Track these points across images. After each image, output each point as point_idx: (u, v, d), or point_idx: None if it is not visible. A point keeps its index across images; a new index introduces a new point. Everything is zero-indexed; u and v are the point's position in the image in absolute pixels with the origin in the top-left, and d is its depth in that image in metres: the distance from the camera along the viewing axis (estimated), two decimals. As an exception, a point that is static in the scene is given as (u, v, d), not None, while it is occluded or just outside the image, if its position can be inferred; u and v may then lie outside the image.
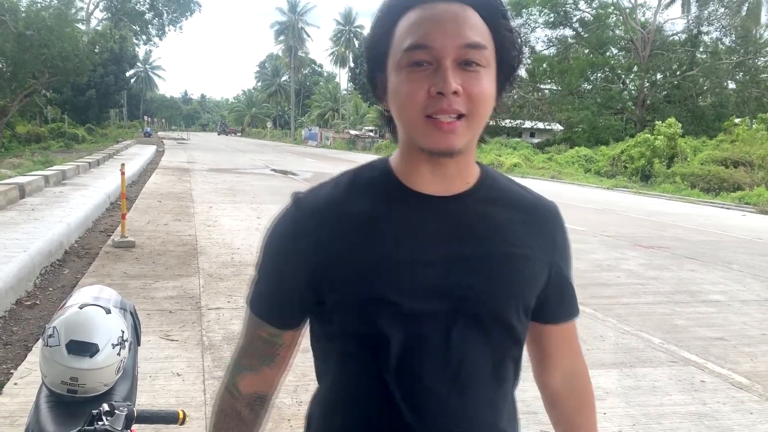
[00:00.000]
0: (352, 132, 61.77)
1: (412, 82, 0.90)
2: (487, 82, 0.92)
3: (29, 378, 3.94)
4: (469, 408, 0.97)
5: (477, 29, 0.91)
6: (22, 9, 24.71)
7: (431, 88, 0.89)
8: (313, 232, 0.97)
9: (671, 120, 25.38)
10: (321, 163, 29.96)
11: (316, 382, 1.09)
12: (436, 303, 0.95)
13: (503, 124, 45.42)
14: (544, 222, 1.06)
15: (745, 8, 35.17)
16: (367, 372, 0.97)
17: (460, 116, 0.90)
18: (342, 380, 1.01)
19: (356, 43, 74.44)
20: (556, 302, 1.09)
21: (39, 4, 25.44)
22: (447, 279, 0.95)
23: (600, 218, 13.69)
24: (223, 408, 1.10)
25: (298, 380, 4.04)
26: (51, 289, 6.23)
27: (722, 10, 35.63)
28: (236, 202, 13.53)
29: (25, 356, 4.38)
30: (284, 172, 23.16)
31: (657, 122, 26.01)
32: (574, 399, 1.18)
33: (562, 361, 1.15)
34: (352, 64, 61.71)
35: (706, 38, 37.20)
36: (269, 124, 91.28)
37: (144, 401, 3.48)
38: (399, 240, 0.95)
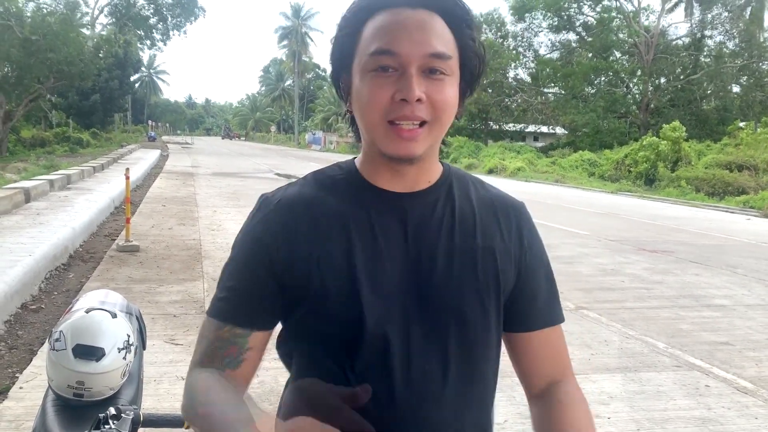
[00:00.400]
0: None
1: (376, 87, 0.90)
2: (450, 90, 0.92)
3: (34, 382, 3.96)
4: (424, 407, 0.95)
5: (443, 38, 0.91)
6: (28, 14, 24.86)
7: (396, 93, 0.89)
8: (280, 228, 0.97)
9: (676, 123, 25.36)
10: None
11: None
12: (396, 298, 0.95)
13: (507, 128, 45.49)
14: (509, 218, 1.04)
15: (748, 12, 35.15)
16: (332, 363, 0.96)
17: (422, 123, 0.90)
18: (308, 371, 0.99)
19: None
20: (529, 304, 1.04)
21: (45, 10, 25.58)
22: (408, 274, 0.96)
23: (604, 222, 13.67)
24: (195, 386, 0.97)
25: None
26: (56, 293, 6.25)
27: (725, 14, 35.62)
28: (240, 206, 13.56)
29: (31, 360, 4.39)
30: (288, 176, 23.19)
31: (664, 125, 25.96)
32: (558, 406, 1.02)
33: (544, 377, 1.07)
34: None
35: (709, 42, 37.20)
36: (273, 129, 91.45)
37: (149, 405, 3.48)
38: (362, 235, 0.96)
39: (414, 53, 0.89)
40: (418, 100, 0.89)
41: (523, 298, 1.03)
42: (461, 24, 0.94)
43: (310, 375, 0.97)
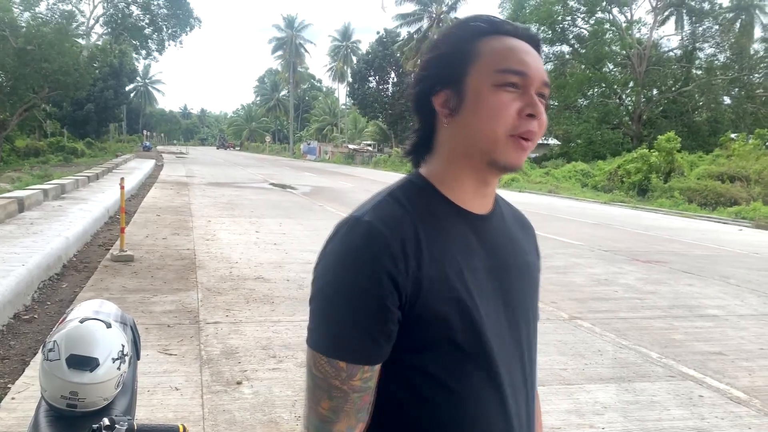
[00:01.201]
0: (351, 146, 61.95)
1: (504, 101, 0.97)
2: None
3: (26, 393, 3.94)
4: (532, 403, 1.09)
5: (545, 71, 1.03)
6: (23, 24, 24.86)
7: (524, 108, 0.97)
8: (397, 246, 0.93)
9: (671, 134, 25.51)
10: (320, 178, 30.02)
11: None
12: (494, 313, 1.01)
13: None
14: (531, 233, 1.21)
15: (738, 25, 35.48)
16: (476, 378, 0.98)
17: (530, 141, 1.00)
18: (438, 390, 0.97)
19: (354, 59, 74.78)
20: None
21: (40, 19, 25.58)
22: (495, 291, 1.03)
23: (597, 232, 13.72)
24: None
25: (296, 395, 4.04)
26: (49, 303, 6.22)
27: (716, 27, 35.95)
28: (235, 216, 13.55)
29: (23, 371, 4.37)
30: (283, 186, 23.20)
31: (659, 136, 26.11)
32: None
33: None
34: (350, 79, 62.07)
35: (701, 54, 37.49)
36: (268, 139, 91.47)
37: (142, 416, 3.47)
38: (464, 256, 1.00)
39: (537, 77, 0.99)
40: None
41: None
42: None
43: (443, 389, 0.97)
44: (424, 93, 1.03)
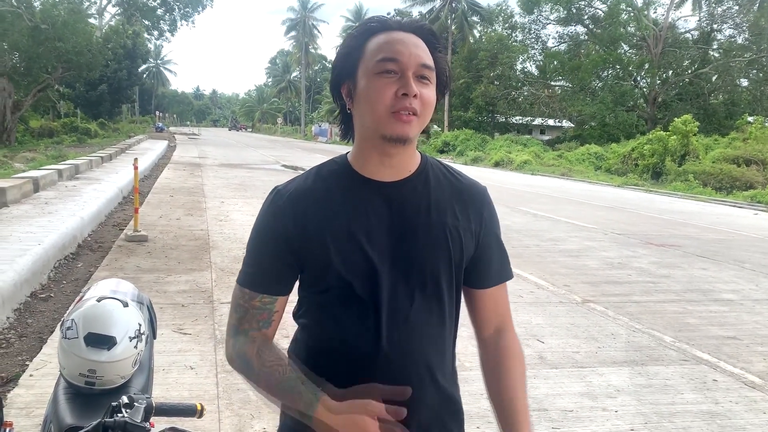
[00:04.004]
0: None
1: (382, 85, 1.17)
2: (432, 92, 1.22)
3: (44, 370, 3.99)
4: (414, 341, 1.25)
5: (427, 55, 1.21)
6: (38, 3, 24.84)
7: (398, 89, 1.16)
8: (290, 213, 1.24)
9: (687, 117, 25.19)
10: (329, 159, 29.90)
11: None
12: (387, 263, 1.22)
13: (513, 121, 45.34)
14: (473, 201, 1.32)
15: (757, 5, 34.79)
16: (345, 309, 1.24)
17: (413, 115, 1.18)
18: (324, 315, 1.28)
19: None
20: (485, 268, 1.34)
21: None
22: (396, 244, 1.23)
23: (610, 216, 13.63)
24: (246, 353, 1.26)
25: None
26: (65, 282, 6.28)
27: (736, 7, 35.30)
28: (247, 197, 13.58)
29: (41, 348, 4.43)
30: (294, 168, 23.19)
31: (675, 119, 25.82)
32: (501, 351, 1.36)
33: (494, 320, 1.38)
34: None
35: (719, 36, 36.89)
36: (280, 120, 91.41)
37: (158, 394, 3.50)
38: (359, 216, 1.23)
39: (411, 62, 1.18)
40: (415, 95, 1.16)
41: (481, 263, 1.34)
42: (435, 48, 1.24)
43: (325, 314, 1.27)
44: (334, 85, 1.26)
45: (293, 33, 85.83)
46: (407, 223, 1.24)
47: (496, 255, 1.36)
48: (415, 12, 53.41)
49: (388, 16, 1.29)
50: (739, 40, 35.86)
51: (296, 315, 1.35)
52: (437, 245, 1.25)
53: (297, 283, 1.30)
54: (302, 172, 1.34)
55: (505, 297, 1.40)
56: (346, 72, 1.24)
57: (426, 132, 1.30)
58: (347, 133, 1.30)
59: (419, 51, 1.19)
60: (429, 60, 1.20)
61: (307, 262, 1.24)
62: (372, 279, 1.22)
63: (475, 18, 49.19)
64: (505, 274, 1.38)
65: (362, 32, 1.24)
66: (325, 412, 1.13)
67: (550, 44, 41.84)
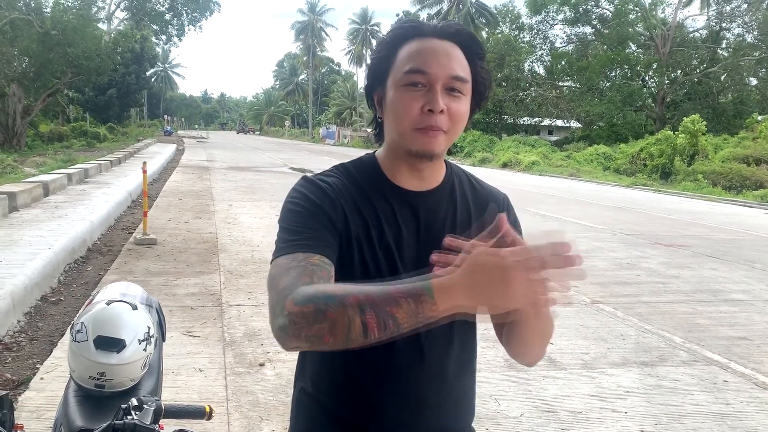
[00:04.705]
0: (370, 130, 61.67)
1: (408, 99, 1.12)
2: (464, 106, 1.15)
3: (55, 373, 4.01)
4: (438, 351, 1.20)
5: (462, 65, 1.14)
6: (47, 9, 25.03)
7: (424, 105, 1.10)
8: (332, 198, 1.16)
9: (695, 117, 25.06)
10: (338, 161, 29.85)
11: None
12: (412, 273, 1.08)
13: (521, 122, 45.24)
14: (490, 208, 1.27)
15: (766, 3, 34.57)
16: None
17: (440, 131, 1.12)
18: None
19: (373, 42, 74.38)
20: None
21: (63, 5, 25.74)
22: (419, 258, 1.17)
23: (619, 216, 13.57)
24: (320, 288, 1.00)
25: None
26: (75, 285, 6.32)
27: (744, 5, 35.10)
28: (256, 200, 13.62)
29: (51, 351, 4.45)
30: (302, 171, 23.25)
31: (684, 118, 25.69)
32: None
33: None
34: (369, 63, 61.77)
35: (728, 34, 36.69)
36: (287, 123, 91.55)
37: (167, 396, 3.52)
38: (389, 222, 1.19)
39: (440, 74, 1.11)
40: (441, 111, 1.10)
41: None
42: (475, 56, 1.17)
43: None
44: (368, 92, 1.23)
45: (303, 36, 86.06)
46: (433, 235, 1.19)
47: None
48: (424, 14, 53.54)
49: (424, 21, 1.21)
50: (749, 39, 35.68)
51: None
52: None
53: None
54: (325, 170, 1.28)
55: None
56: (377, 80, 1.19)
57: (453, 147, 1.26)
58: (379, 137, 1.27)
59: (451, 61, 1.13)
60: (462, 71, 1.14)
61: (340, 253, 1.16)
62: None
63: (482, 19, 49.19)
64: None
65: (394, 38, 1.18)
66: (448, 280, 0.89)
67: (557, 45, 41.77)
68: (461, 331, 1.24)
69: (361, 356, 1.06)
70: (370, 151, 1.30)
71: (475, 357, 1.31)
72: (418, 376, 1.19)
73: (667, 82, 36.66)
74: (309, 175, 1.23)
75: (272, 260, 1.11)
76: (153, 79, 78.22)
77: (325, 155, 36.13)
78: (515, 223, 1.27)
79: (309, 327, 0.92)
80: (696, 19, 55.73)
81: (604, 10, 38.59)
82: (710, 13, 37.04)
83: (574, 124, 43.82)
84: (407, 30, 1.16)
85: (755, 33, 34.93)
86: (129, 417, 1.51)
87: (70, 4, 26.17)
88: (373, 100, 1.21)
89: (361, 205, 1.19)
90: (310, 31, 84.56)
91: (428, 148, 1.13)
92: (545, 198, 16.84)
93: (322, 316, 0.90)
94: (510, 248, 0.88)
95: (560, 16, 39.78)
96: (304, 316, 0.92)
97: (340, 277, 1.15)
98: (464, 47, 1.15)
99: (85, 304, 2.03)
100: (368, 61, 1.26)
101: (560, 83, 41.23)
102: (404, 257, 1.18)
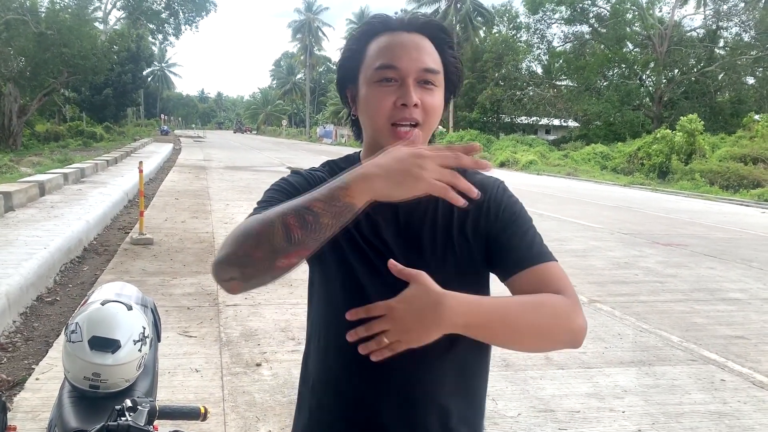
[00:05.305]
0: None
1: (381, 95, 1.11)
2: (438, 97, 1.14)
3: (50, 373, 3.99)
4: (435, 357, 1.14)
5: (432, 57, 1.13)
6: (42, 9, 24.97)
7: (397, 100, 1.10)
8: (307, 187, 1.11)
9: (693, 116, 25.09)
10: (336, 161, 29.92)
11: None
12: (391, 276, 1.05)
13: (519, 121, 45.27)
14: (483, 195, 1.19)
15: (762, 2, 34.61)
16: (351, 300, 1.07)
17: (415, 125, 1.11)
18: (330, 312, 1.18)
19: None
20: (505, 255, 1.19)
21: (58, 5, 25.68)
22: (399, 249, 1.15)
23: (617, 215, 13.58)
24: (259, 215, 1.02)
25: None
26: (71, 285, 6.30)
27: (742, 4, 35.15)
28: (253, 199, 13.47)
29: (47, 352, 4.43)
30: (299, 170, 23.21)
31: (681, 117, 25.72)
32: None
33: None
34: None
35: (725, 33, 36.76)
36: (284, 122, 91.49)
37: (163, 397, 3.50)
38: (366, 216, 1.11)
39: (411, 68, 1.11)
40: (415, 105, 1.10)
41: (500, 251, 1.19)
42: (444, 46, 1.16)
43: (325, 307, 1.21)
44: (340, 89, 1.22)
45: (299, 35, 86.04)
46: (413, 233, 1.18)
47: (516, 240, 1.19)
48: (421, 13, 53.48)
49: (392, 15, 1.21)
50: (746, 38, 35.72)
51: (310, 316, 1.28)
52: (443, 256, 1.18)
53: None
54: (313, 166, 1.29)
55: (549, 278, 1.17)
56: (348, 77, 1.18)
57: (431, 140, 1.23)
58: (359, 135, 1.25)
59: (421, 54, 1.12)
60: (433, 63, 1.13)
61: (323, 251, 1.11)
62: (384, 286, 1.08)
63: (479, 18, 49.21)
64: (536, 257, 1.17)
65: (363, 33, 1.17)
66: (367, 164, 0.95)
67: (555, 44, 41.80)
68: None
69: (360, 355, 1.05)
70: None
71: (487, 355, 1.25)
72: (417, 375, 1.16)
73: (664, 81, 36.71)
74: (294, 169, 1.26)
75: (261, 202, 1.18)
76: (150, 79, 78.08)
77: (322, 155, 36.07)
78: (506, 208, 1.22)
79: (239, 248, 0.96)
80: (693, 18, 55.83)
81: (602, 9, 38.62)
82: (707, 12, 37.10)
83: (572, 123, 43.83)
84: (375, 25, 1.16)
85: (752, 32, 34.98)
86: (123, 418, 1.50)
87: (65, 3, 26.11)
88: (347, 97, 1.21)
89: None
90: (307, 30, 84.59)
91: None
92: (543, 197, 16.84)
93: (248, 234, 0.96)
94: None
95: (557, 15, 39.81)
96: (235, 240, 0.97)
97: (318, 274, 1.20)
98: (433, 38, 1.15)
99: (80, 304, 2.01)
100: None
101: (558, 82, 41.26)
102: (387, 255, 1.13)
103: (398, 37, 1.13)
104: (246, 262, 0.95)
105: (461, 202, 0.95)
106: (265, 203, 1.15)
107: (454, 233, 1.19)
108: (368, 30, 1.16)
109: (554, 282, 1.17)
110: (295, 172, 1.23)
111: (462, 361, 1.20)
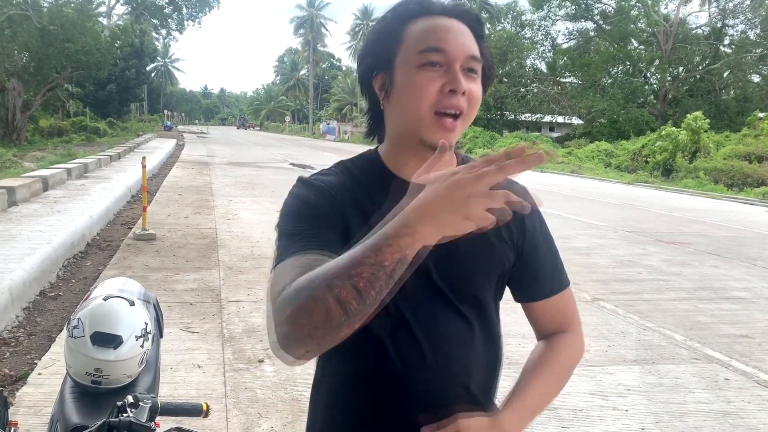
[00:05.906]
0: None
1: (426, 80, 1.02)
2: (479, 88, 1.07)
3: (53, 368, 3.99)
4: (442, 363, 1.12)
5: (475, 45, 1.07)
6: (45, 5, 24.97)
7: (445, 85, 1.02)
8: (330, 199, 1.08)
9: (698, 114, 25.00)
10: (339, 157, 29.77)
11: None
12: (421, 278, 1.02)
13: (523, 118, 45.18)
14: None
15: (768, 0, 34.47)
16: (367, 334, 1.02)
17: (458, 115, 1.03)
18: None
19: (375, 36, 74.07)
20: (531, 280, 1.20)
21: (61, 0, 25.68)
22: (431, 259, 1.01)
23: (620, 213, 13.55)
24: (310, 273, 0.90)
25: (318, 373, 4.05)
26: (74, 280, 6.30)
27: (747, 2, 35.00)
28: (255, 195, 13.59)
29: (49, 347, 4.44)
30: (303, 166, 23.19)
31: (687, 115, 25.64)
32: (549, 345, 1.23)
33: (552, 329, 1.25)
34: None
35: (730, 31, 36.60)
36: (288, 118, 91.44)
37: (165, 393, 3.50)
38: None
39: (459, 53, 1.03)
40: (463, 93, 1.02)
41: (527, 273, 1.19)
42: (481, 35, 1.10)
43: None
44: (365, 77, 1.11)
45: (302, 31, 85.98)
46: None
47: (544, 268, 1.21)
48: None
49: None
50: (751, 36, 35.55)
51: None
52: (476, 258, 1.13)
53: None
54: (323, 168, 1.20)
55: (563, 306, 1.24)
56: (380, 62, 1.08)
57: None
58: (375, 130, 1.16)
59: (467, 40, 1.05)
60: (477, 51, 1.06)
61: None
62: (408, 294, 1.01)
63: (484, 15, 49.13)
64: (559, 284, 1.22)
65: (399, 15, 1.08)
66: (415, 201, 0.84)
67: (559, 41, 41.69)
68: (481, 327, 1.16)
69: (372, 361, 1.09)
70: (371, 147, 1.21)
71: (498, 349, 1.23)
72: (423, 379, 1.12)
73: (669, 78, 36.58)
74: (305, 176, 1.15)
75: (271, 269, 1.02)
76: (153, 74, 78.17)
77: (325, 151, 36.07)
78: (536, 225, 1.20)
79: (296, 330, 0.85)
80: (698, 16, 55.78)
81: (606, 6, 38.49)
82: (712, 10, 36.95)
83: (576, 120, 43.73)
84: (411, 8, 1.07)
85: (758, 30, 34.82)
86: (125, 414, 1.49)
87: (69, -2, 26.12)
88: (372, 86, 1.10)
89: (362, 204, 1.09)
90: (310, 26, 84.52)
91: (445, 139, 1.00)
92: (547, 195, 16.78)
93: (302, 312, 0.83)
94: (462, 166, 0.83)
95: (562, 12, 39.68)
96: (292, 319, 0.85)
97: None
98: (471, 27, 1.08)
99: (83, 299, 2.01)
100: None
101: (562, 79, 41.15)
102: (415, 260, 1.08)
103: (441, 20, 1.05)
104: (310, 342, 0.86)
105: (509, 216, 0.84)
106: (295, 239, 1.02)
107: (488, 236, 1.12)
108: (404, 12, 1.08)
109: (567, 309, 1.25)
110: (304, 182, 1.13)
111: (474, 360, 1.18)
